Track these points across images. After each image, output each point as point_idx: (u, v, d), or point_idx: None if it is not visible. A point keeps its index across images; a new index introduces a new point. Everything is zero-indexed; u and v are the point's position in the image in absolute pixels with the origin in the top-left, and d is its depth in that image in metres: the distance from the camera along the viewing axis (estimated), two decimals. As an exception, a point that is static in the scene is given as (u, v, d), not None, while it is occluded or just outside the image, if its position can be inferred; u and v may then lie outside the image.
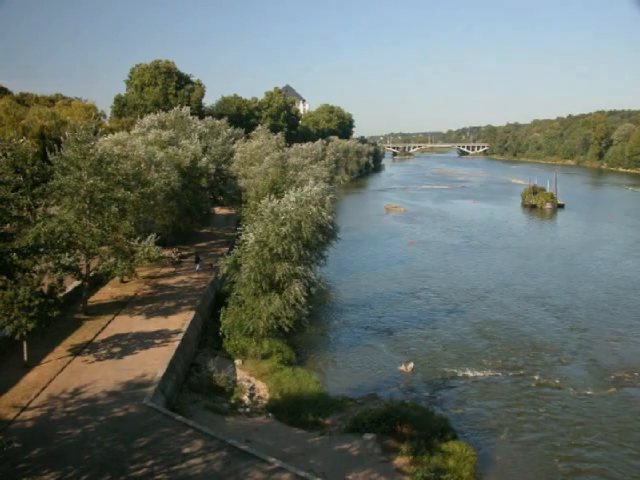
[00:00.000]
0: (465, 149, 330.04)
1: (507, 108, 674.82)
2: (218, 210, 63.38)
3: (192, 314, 29.27)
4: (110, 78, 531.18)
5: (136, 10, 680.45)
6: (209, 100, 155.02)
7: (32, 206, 28.11)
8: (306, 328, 30.48)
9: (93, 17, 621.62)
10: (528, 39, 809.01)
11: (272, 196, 30.03)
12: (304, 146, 69.34)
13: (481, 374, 28.52)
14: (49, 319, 21.77)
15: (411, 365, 29.14)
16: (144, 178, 36.73)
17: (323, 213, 29.24)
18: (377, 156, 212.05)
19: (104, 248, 28.95)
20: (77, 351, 24.28)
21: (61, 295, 23.75)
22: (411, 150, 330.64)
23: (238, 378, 25.75)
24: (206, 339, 29.73)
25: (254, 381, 25.68)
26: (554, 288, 45.17)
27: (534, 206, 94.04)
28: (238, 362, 27.42)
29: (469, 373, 28.56)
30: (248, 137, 69.98)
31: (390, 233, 70.87)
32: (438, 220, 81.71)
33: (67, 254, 26.21)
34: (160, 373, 21.76)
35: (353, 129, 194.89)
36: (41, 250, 22.41)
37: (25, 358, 22.37)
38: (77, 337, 25.88)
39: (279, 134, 63.92)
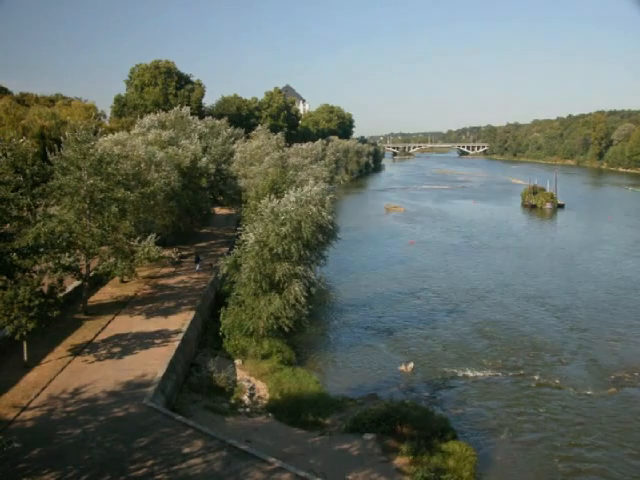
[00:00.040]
0: (465, 149, 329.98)
1: (507, 108, 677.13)
2: (218, 210, 63.37)
3: (192, 314, 29.27)
4: (110, 78, 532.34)
5: (136, 10, 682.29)
6: (209, 100, 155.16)
7: (32, 206, 28.07)
8: (306, 328, 30.47)
9: (93, 17, 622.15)
10: (528, 39, 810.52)
11: (272, 196, 30.04)
12: (304, 146, 69.25)
13: (481, 374, 28.53)
14: (49, 319, 21.78)
15: (411, 365, 29.15)
16: (144, 178, 36.71)
17: (323, 213, 29.25)
18: (377, 156, 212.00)
19: (104, 248, 28.96)
20: (77, 351, 24.29)
21: (61, 295, 23.76)
22: (411, 150, 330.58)
23: (238, 378, 25.75)
24: (206, 339, 29.73)
25: (254, 381, 25.68)
26: (554, 288, 45.17)
27: (534, 206, 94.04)
28: (238, 362, 27.42)
29: (469, 373, 28.57)
30: (248, 137, 70.03)
31: (390, 233, 70.85)
32: (438, 220, 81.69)
33: (67, 254, 26.20)
34: (160, 373, 21.76)
35: (353, 129, 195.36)
36: (41, 250, 22.44)
37: (25, 358, 22.38)
38: (77, 337, 25.89)
39: (279, 134, 63.86)
